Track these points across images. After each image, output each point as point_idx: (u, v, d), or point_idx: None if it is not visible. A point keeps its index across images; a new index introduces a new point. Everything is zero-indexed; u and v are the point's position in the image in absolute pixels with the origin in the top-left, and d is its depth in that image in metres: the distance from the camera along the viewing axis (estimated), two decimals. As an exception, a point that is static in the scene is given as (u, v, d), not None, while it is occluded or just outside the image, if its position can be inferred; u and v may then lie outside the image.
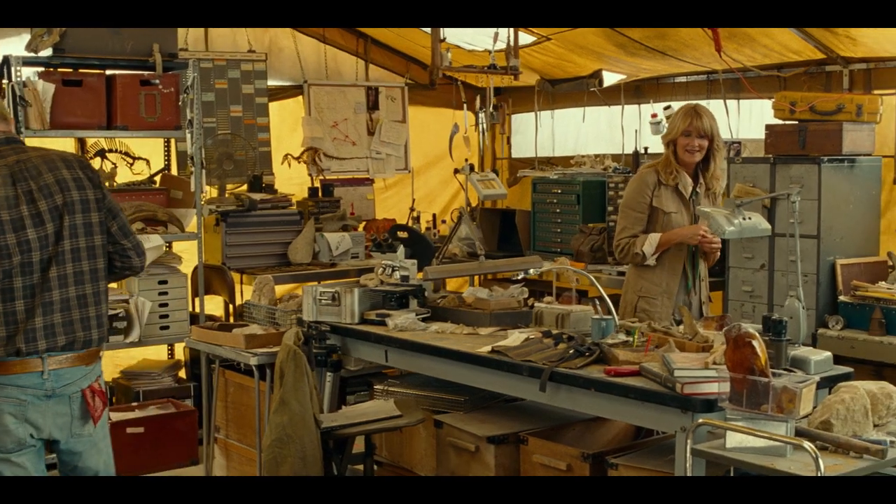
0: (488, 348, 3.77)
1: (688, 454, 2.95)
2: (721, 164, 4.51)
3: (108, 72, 5.68)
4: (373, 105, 7.13)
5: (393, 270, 4.41)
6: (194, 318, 5.87)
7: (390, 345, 4.18)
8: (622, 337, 3.79)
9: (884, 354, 4.84)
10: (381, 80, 7.31)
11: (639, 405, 3.25)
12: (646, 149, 6.33)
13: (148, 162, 6.14)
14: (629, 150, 6.64)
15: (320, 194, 6.80)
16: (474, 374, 3.83)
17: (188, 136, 5.80)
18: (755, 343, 2.91)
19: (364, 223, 7.10)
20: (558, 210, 6.52)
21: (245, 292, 6.23)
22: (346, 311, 4.42)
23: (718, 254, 4.53)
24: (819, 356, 3.46)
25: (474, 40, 6.45)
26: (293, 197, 6.66)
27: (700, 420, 2.97)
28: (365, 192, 7.21)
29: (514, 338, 3.89)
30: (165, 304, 5.85)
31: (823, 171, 5.16)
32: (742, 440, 2.89)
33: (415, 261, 4.53)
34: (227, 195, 6.48)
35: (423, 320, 4.39)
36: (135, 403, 5.76)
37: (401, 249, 4.45)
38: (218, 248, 6.30)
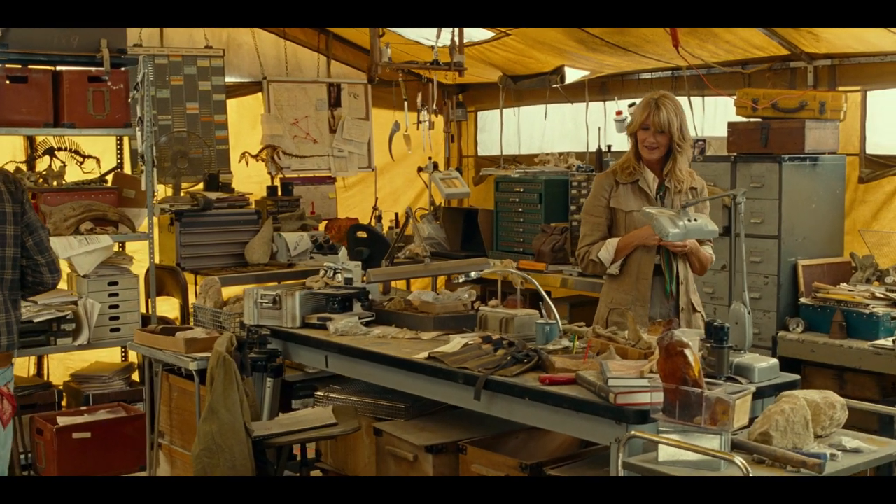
0: (425, 354, 3.64)
1: (619, 468, 2.83)
2: (683, 162, 4.02)
3: (56, 68, 5.53)
4: (335, 102, 6.98)
5: (335, 273, 4.27)
6: (148, 320, 5.72)
7: (330, 350, 4.05)
8: (565, 343, 3.66)
9: (844, 358, 4.72)
10: (344, 76, 7.16)
11: (573, 415, 3.12)
12: (609, 147, 6.20)
13: (98, 160, 5.99)
14: (594, 147, 6.50)
15: (279, 193, 6.65)
16: (411, 381, 3.70)
17: (138, 134, 5.66)
18: (687, 352, 2.78)
19: (325, 222, 6.96)
20: (521, 209, 6.39)
21: (197, 293, 6.09)
22: (287, 315, 4.29)
23: (708, 258, 4.06)
24: (764, 363, 3.33)
25: (431, 35, 6.30)
26: (251, 196, 6.52)
27: (631, 433, 2.84)
28: (326, 190, 7.06)
29: (454, 343, 3.75)
30: (116, 306, 5.69)
31: (784, 169, 5.05)
32: (675, 453, 2.76)
33: (359, 263, 4.40)
34: (182, 194, 6.33)
35: (367, 324, 4.26)
36: (84, 408, 5.62)
37: (343, 251, 4.33)
38: (173, 249, 6.16)
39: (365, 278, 4.29)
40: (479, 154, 7.61)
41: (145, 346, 4.68)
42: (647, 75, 6.33)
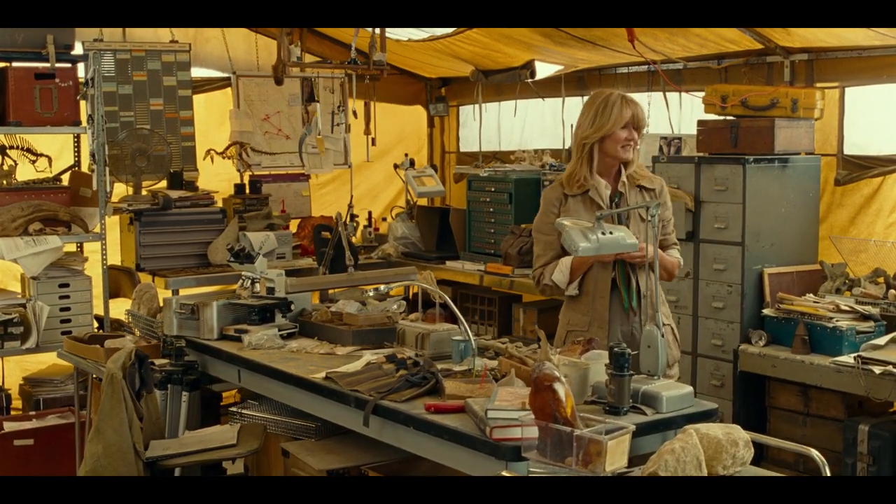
0: (323, 374, 3.43)
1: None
2: (638, 158, 3.85)
3: (2, 64, 5.40)
4: (309, 97, 6.76)
5: (253, 282, 4.07)
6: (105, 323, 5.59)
7: (241, 364, 3.86)
8: (478, 363, 3.42)
9: (805, 375, 4.42)
10: (319, 70, 6.93)
11: (456, 447, 2.89)
12: (582, 145, 5.90)
13: (50, 159, 5.85)
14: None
15: (247, 191, 6.47)
16: (311, 402, 3.50)
17: (88, 132, 5.50)
18: (557, 387, 2.53)
19: (298, 221, 6.77)
20: (492, 209, 6.14)
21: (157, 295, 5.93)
22: (205, 326, 4.10)
23: (674, 264, 3.79)
24: (675, 392, 3.07)
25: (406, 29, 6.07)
26: (217, 194, 6.34)
27: (502, 472, 2.60)
28: (299, 188, 6.86)
29: (360, 361, 3.54)
30: (68, 308, 5.56)
31: (749, 171, 4.74)
32: (546, 495, 2.52)
33: (282, 272, 4.19)
34: (144, 192, 6.17)
35: (289, 336, 4.06)
36: (33, 413, 5.49)
37: (260, 259, 4.11)
38: (133, 249, 6.01)
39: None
40: (460, 150, 7.36)
41: (72, 354, 4.53)
42: (624, 69, 6.03)
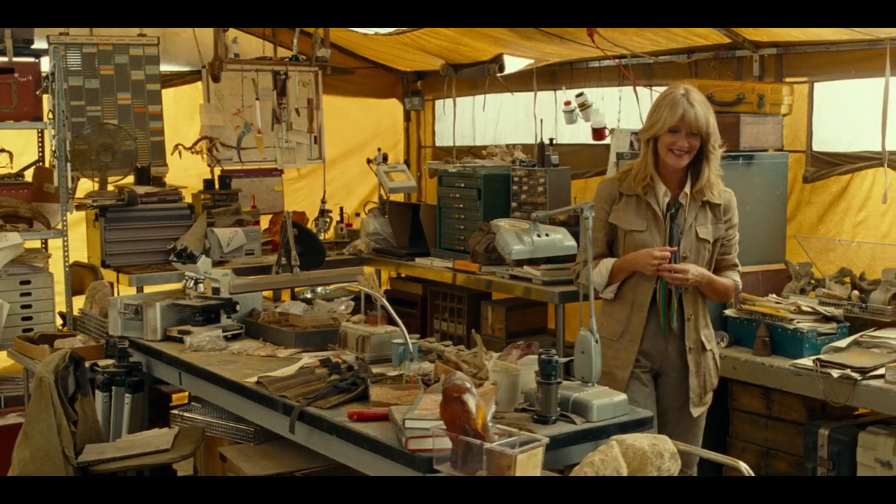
0: (255, 378, 3.35)
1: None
2: (716, 168, 3.51)
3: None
4: (281, 91, 6.67)
5: (196, 282, 3.99)
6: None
7: (181, 367, 3.79)
8: (414, 366, 3.34)
9: (766, 378, 4.31)
10: (293, 64, 6.84)
11: (375, 457, 2.81)
12: (551, 140, 5.81)
13: (11, 154, 5.78)
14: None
15: (216, 186, 6.39)
16: (245, 406, 3.42)
17: (49, 127, 5.43)
18: (467, 398, 2.45)
19: (270, 216, 6.69)
20: (461, 205, 6.04)
21: (122, 292, 5.87)
22: (148, 327, 4.03)
23: (728, 287, 3.58)
24: (606, 399, 2.98)
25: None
26: (186, 190, 6.27)
27: (413, 484, 2.52)
28: (272, 183, 6.78)
29: (296, 365, 3.46)
30: (29, 306, 5.50)
31: (712, 169, 4.62)
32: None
33: (227, 272, 4.11)
34: (111, 188, 6.10)
35: (234, 337, 3.99)
36: (-7, 411, 5.44)
37: (203, 259, 4.04)
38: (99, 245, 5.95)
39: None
40: (436, 145, 7.27)
41: (20, 353, 4.47)
42: (596, 64, 5.93)
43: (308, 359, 3.53)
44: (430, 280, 6.23)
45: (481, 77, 6.25)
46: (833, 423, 4.20)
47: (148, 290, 5.56)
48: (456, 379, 2.47)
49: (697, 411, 3.65)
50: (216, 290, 4.06)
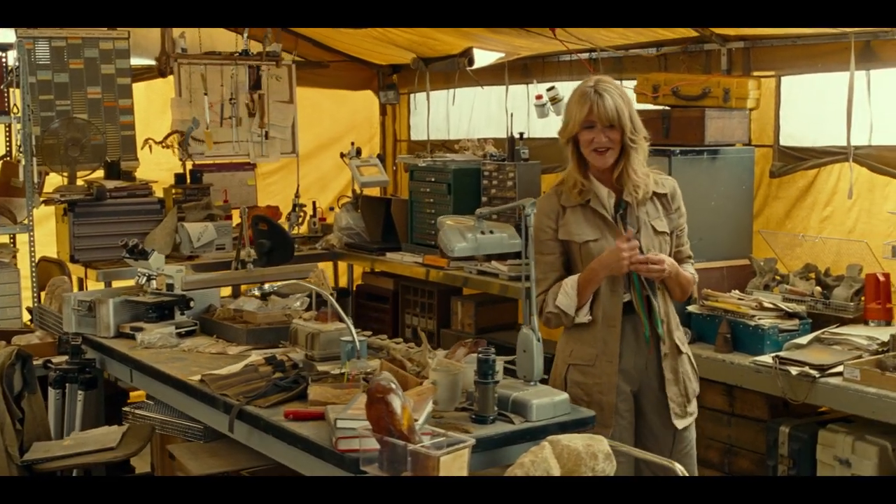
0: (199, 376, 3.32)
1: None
2: (638, 162, 3.17)
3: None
4: (255, 85, 6.63)
5: (148, 279, 3.96)
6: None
7: (131, 364, 3.75)
8: (359, 365, 3.31)
9: (728, 375, 4.28)
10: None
11: (309, 457, 2.78)
12: (521, 134, 5.77)
13: (-25, 149, 5.75)
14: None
15: (188, 181, 6.36)
16: (189, 404, 3.39)
17: (15, 121, 5.40)
18: (391, 399, 2.41)
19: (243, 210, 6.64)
20: (432, 200, 6.00)
21: (90, 287, 5.85)
22: (101, 324, 4.00)
23: (689, 280, 3.29)
24: (546, 399, 2.94)
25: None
26: (158, 184, 6.23)
27: (341, 485, 2.48)
28: (245, 177, 6.74)
29: (242, 363, 3.43)
30: (-6, 301, 5.47)
31: (675, 164, 4.59)
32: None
33: (181, 268, 4.08)
34: (81, 183, 6.07)
35: (187, 333, 3.96)
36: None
37: (155, 255, 4.00)
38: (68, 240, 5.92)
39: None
40: (411, 138, 7.23)
41: (-24, 350, 4.43)
42: (568, 57, 5.88)
43: (256, 356, 3.50)
44: (402, 275, 6.20)
45: (451, 71, 6.21)
46: (794, 421, 4.16)
47: (116, 284, 5.53)
48: (381, 379, 2.43)
49: (683, 423, 3.32)
50: (171, 287, 4.02)
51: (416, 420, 2.64)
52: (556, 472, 2.53)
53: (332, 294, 3.60)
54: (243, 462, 3.46)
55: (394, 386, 2.41)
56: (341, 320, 3.41)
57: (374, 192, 6.91)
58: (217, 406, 3.15)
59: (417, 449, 2.36)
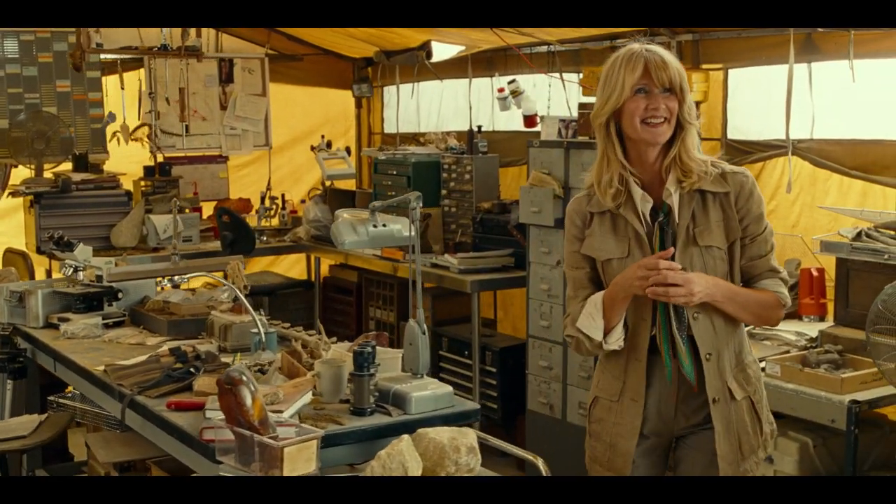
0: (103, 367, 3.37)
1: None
2: (693, 146, 2.56)
3: None
4: (227, 78, 6.68)
5: (75, 270, 4.01)
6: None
7: (54, 355, 3.80)
8: (264, 356, 3.33)
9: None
10: (238, 50, 6.85)
11: (183, 447, 2.80)
12: (479, 127, 5.77)
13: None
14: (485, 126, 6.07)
15: (157, 174, 6.42)
16: (96, 394, 3.43)
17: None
18: (241, 390, 2.43)
19: (214, 203, 6.70)
20: (393, 193, 6.01)
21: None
22: (30, 314, 4.06)
23: (770, 302, 2.60)
24: (427, 392, 2.95)
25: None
26: (127, 177, 6.30)
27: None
28: (216, 170, 6.80)
29: (145, 354, 3.47)
30: (-43, 292, 5.56)
31: (614, 158, 4.56)
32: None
33: (111, 259, 4.13)
34: (49, 175, 6.15)
35: (115, 324, 4.01)
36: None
37: (80, 247, 4.05)
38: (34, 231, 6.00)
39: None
40: (384, 131, 7.24)
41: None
42: (528, 50, 5.86)
43: (167, 348, 3.53)
44: (366, 268, 6.22)
45: (411, 64, 6.21)
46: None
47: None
48: (232, 371, 2.45)
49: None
50: (100, 278, 4.07)
51: (280, 411, 2.68)
52: (413, 464, 2.54)
53: (244, 288, 3.63)
54: (151, 451, 3.50)
55: (244, 378, 2.43)
56: (248, 313, 3.44)
57: (348, 184, 6.94)
58: (114, 395, 3.19)
59: (263, 440, 2.38)
